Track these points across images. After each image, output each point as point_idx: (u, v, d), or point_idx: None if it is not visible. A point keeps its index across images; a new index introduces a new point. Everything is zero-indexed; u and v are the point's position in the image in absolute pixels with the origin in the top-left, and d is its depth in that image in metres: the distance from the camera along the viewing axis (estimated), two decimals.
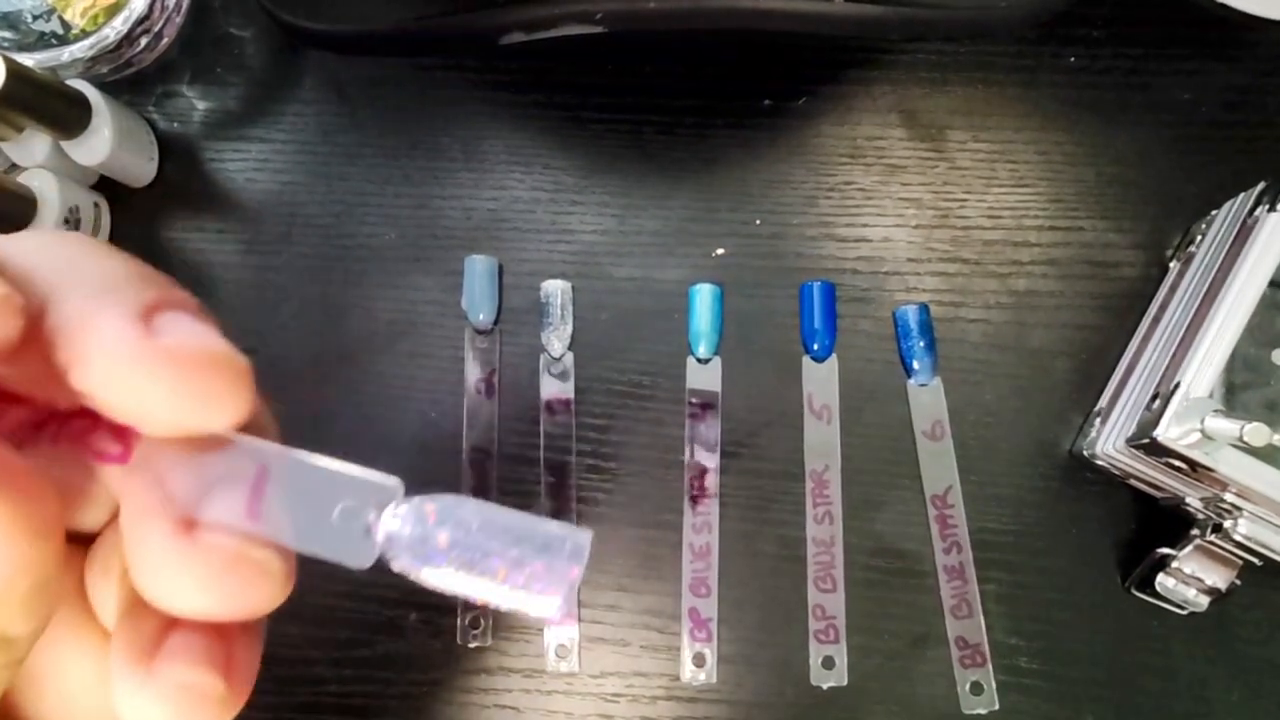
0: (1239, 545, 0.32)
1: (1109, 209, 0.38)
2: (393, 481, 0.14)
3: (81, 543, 0.15)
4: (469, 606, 0.36)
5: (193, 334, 0.13)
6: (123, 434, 0.14)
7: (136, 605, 0.14)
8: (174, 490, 0.14)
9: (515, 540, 0.14)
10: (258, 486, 0.14)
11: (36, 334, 0.13)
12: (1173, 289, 0.35)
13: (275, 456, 0.14)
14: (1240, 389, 0.30)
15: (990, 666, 0.35)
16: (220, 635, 0.14)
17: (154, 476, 0.14)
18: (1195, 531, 0.33)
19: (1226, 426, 0.28)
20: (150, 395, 0.12)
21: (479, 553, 0.13)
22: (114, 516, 0.15)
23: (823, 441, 0.36)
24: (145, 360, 0.12)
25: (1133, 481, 0.35)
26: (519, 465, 0.37)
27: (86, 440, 0.14)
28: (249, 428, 0.14)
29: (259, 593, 0.14)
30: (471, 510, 0.14)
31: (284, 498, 0.14)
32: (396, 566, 0.14)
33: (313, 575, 0.39)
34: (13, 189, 0.35)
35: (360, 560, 0.14)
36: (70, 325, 0.13)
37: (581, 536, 0.14)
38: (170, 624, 0.14)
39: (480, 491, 0.36)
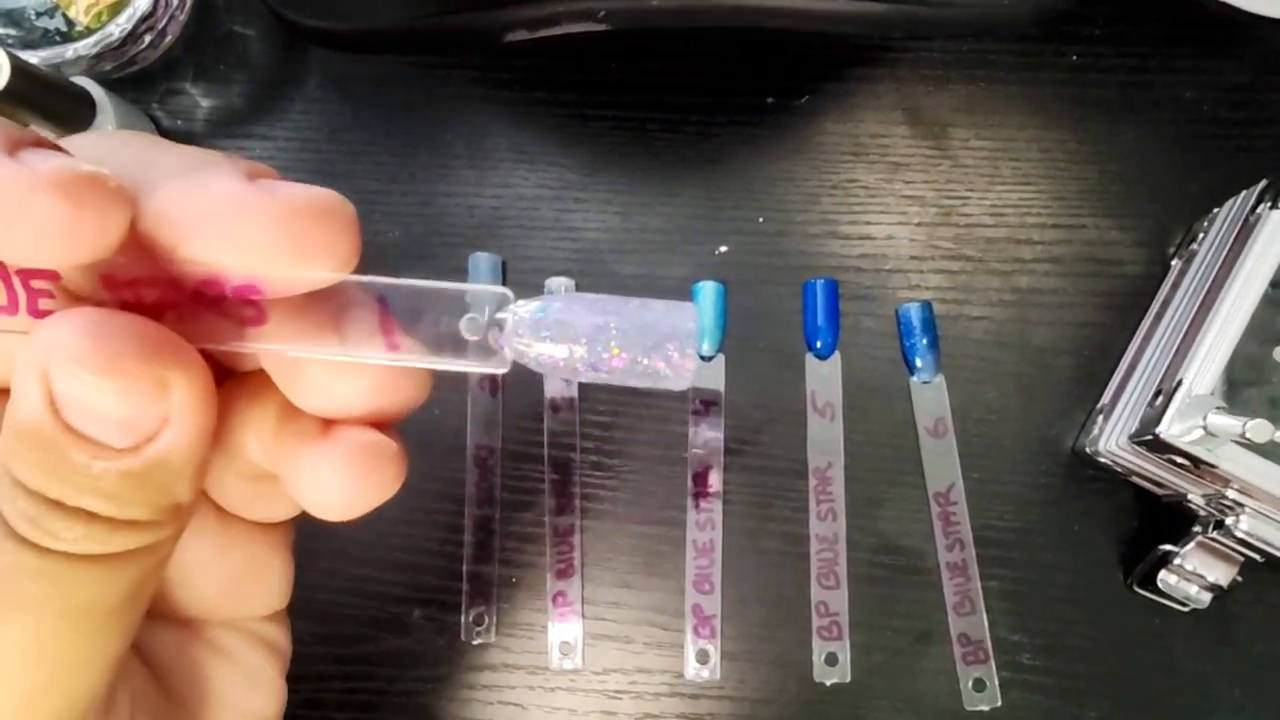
0: (1241, 542, 0.32)
1: (1111, 207, 0.38)
2: (503, 289, 0.15)
3: None
4: (473, 603, 0.36)
5: (300, 186, 0.14)
6: (248, 299, 0.14)
7: (290, 418, 0.15)
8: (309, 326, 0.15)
9: (629, 320, 0.15)
10: (384, 316, 0.15)
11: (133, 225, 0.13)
12: (1175, 286, 0.35)
13: (389, 287, 0.15)
14: (1242, 386, 0.30)
15: (993, 663, 0.35)
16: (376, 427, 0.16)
17: (294, 313, 0.14)
18: (1197, 528, 0.33)
19: (1229, 423, 0.29)
20: (277, 243, 0.13)
21: (600, 338, 0.15)
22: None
23: (826, 439, 0.36)
24: (267, 210, 0.13)
25: (1135, 478, 0.35)
26: (523, 463, 0.37)
27: (221, 309, 0.14)
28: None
29: (412, 388, 0.15)
30: (585, 302, 0.15)
31: (407, 323, 0.15)
32: (527, 357, 0.15)
33: (316, 573, 0.39)
34: None
35: (497, 365, 0.15)
36: (178, 200, 0.13)
37: (688, 309, 0.15)
38: (330, 423, 0.15)
39: (484, 490, 0.37)
